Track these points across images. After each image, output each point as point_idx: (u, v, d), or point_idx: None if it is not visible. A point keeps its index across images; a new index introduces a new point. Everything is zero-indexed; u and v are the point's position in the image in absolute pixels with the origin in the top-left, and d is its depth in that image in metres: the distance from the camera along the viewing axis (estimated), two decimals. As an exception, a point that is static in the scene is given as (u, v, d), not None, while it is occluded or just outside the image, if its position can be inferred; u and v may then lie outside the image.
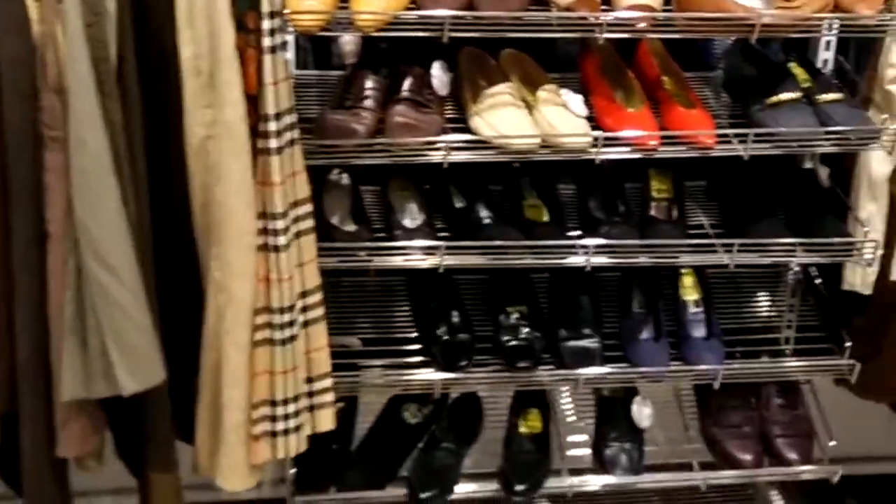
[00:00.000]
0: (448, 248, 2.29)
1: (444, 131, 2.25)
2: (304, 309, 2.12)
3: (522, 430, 2.63)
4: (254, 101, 1.96)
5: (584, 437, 2.67)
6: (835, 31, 2.26)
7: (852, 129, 2.26)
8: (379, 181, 2.54)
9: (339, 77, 2.44)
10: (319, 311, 2.15)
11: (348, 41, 2.54)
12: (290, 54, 2.35)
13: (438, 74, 2.31)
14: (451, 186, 2.52)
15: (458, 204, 2.49)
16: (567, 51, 2.59)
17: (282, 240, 2.02)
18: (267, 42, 1.93)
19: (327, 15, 2.05)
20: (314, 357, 2.16)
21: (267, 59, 1.93)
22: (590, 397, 2.71)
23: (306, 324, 2.13)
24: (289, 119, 2.00)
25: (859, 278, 2.46)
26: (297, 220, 2.07)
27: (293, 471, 2.44)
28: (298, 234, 2.08)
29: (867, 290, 2.47)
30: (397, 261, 2.31)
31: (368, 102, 2.25)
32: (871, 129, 2.27)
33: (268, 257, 2.03)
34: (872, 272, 2.42)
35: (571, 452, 2.66)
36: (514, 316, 2.50)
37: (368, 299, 2.68)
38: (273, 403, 2.10)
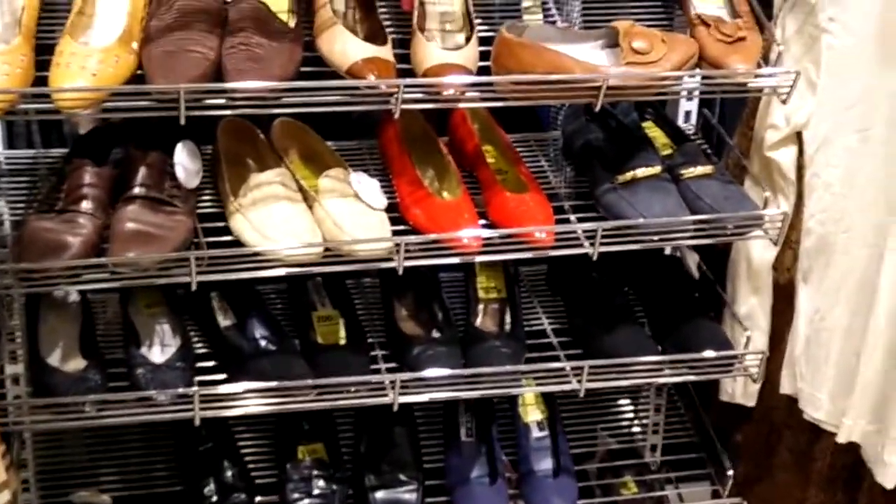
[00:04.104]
0: (204, 394, 1.70)
1: (196, 237, 1.66)
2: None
3: None
4: None
5: None
6: (699, 89, 1.77)
7: (729, 217, 1.74)
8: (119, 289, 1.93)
9: (50, 167, 1.83)
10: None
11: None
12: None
13: (183, 161, 1.72)
14: (213, 296, 1.92)
15: (224, 322, 1.90)
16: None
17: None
18: None
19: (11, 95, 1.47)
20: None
21: None
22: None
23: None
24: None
25: (740, 388, 1.99)
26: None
27: None
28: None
29: (750, 402, 2.00)
30: (139, 413, 1.72)
31: (87, 204, 1.66)
32: (752, 214, 1.75)
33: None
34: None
35: None
36: (306, 462, 1.92)
37: (124, 440, 2.07)
38: None
